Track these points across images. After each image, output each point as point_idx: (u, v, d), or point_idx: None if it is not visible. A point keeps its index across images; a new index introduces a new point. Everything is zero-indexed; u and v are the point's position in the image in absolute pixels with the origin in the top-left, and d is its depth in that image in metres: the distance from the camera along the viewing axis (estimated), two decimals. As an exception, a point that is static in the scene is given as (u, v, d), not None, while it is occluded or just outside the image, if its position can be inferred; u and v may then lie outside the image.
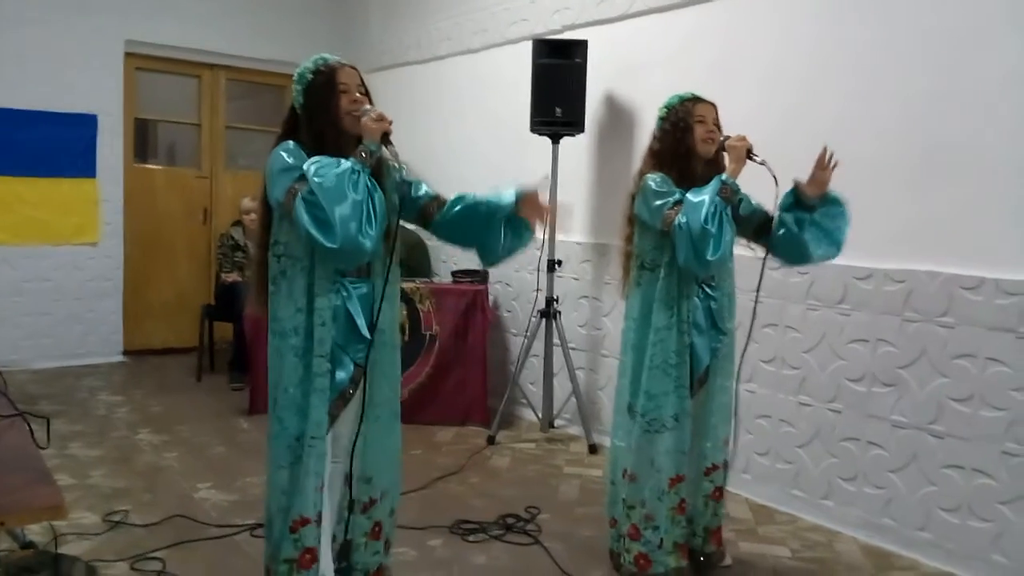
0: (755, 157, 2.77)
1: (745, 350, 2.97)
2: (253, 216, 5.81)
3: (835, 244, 2.86)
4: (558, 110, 4.53)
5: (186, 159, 6.94)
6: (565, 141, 4.68)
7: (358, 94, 2.29)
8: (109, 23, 6.06)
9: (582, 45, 4.53)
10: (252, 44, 6.72)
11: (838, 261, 3.48)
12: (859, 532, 3.44)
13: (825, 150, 2.74)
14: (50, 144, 5.87)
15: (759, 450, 3.83)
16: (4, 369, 2.57)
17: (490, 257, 2.51)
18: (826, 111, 3.58)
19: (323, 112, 2.26)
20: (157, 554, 3.00)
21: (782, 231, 2.85)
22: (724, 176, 2.73)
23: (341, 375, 2.29)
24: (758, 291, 2.88)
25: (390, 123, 2.24)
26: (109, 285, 6.25)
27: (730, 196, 2.71)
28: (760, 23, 3.88)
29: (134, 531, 3.22)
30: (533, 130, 4.65)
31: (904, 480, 3.31)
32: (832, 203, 2.84)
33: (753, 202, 2.92)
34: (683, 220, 2.67)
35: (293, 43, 6.83)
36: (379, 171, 2.29)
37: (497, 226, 2.43)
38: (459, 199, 2.47)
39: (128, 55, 6.23)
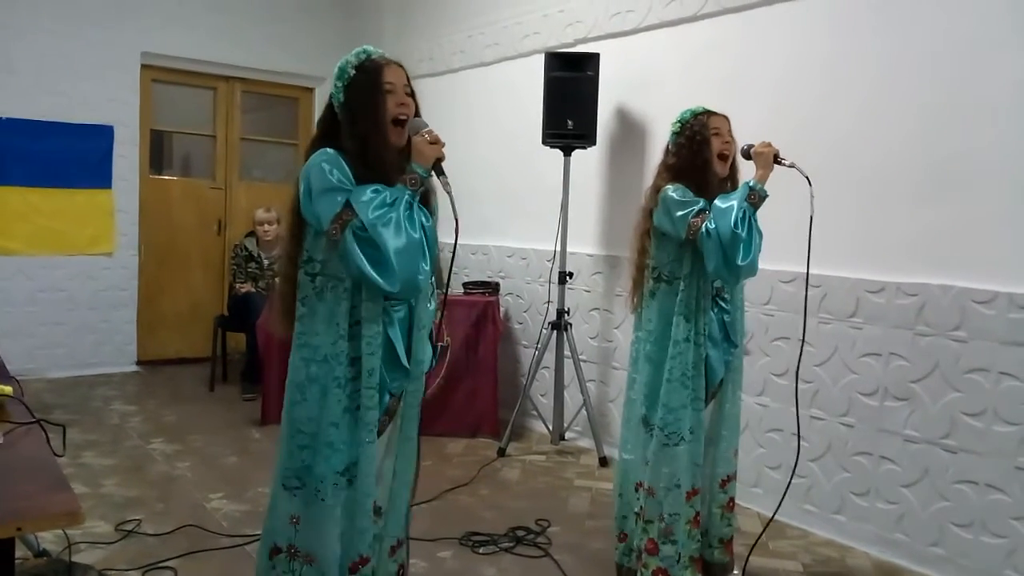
0: (783, 161, 2.79)
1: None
2: (267, 227, 5.86)
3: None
4: (570, 123, 4.54)
5: (201, 170, 7.00)
6: (577, 154, 4.70)
7: (403, 94, 2.12)
8: (125, 35, 6.13)
9: (594, 58, 4.55)
10: (267, 57, 6.79)
11: (850, 275, 3.51)
12: (871, 547, 3.42)
13: None
14: (66, 155, 5.92)
15: (771, 464, 3.81)
16: (19, 378, 2.58)
17: None
18: (838, 124, 3.59)
19: (367, 115, 2.08)
20: (169, 563, 3.02)
21: None
22: (752, 182, 2.74)
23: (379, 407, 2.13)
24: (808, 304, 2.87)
25: (443, 146, 2.10)
26: (124, 295, 6.30)
27: (758, 202, 2.72)
28: (772, 37, 3.89)
29: (146, 540, 3.23)
30: (545, 143, 4.67)
31: (917, 495, 3.29)
32: None
33: None
34: (711, 226, 2.68)
35: (307, 56, 6.91)
36: (426, 190, 2.12)
37: None
38: None
39: (144, 67, 6.30)
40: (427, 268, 2.04)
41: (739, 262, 2.66)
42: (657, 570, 2.85)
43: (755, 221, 2.71)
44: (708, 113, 2.88)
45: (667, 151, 2.95)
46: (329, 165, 2.03)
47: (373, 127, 2.08)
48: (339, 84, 2.12)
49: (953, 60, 3.22)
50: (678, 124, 2.90)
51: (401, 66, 2.15)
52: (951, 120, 3.23)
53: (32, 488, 1.66)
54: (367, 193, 1.99)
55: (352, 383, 2.09)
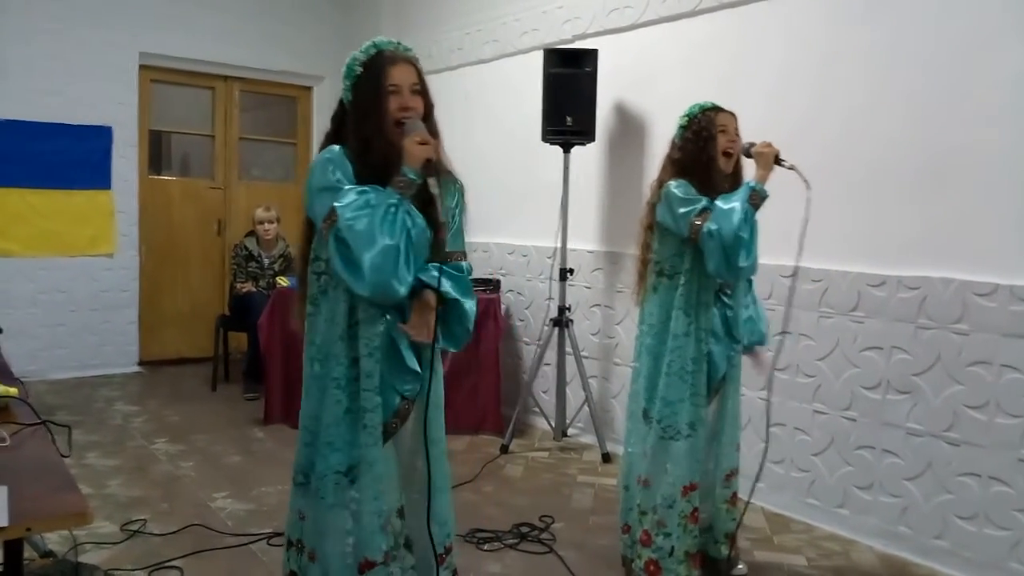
0: (784, 163, 2.79)
1: (775, 362, 2.98)
2: (267, 226, 5.86)
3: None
4: (569, 119, 4.54)
5: (200, 170, 7.00)
6: (576, 150, 4.70)
7: (410, 94, 2.05)
8: (123, 36, 6.13)
9: (593, 54, 4.55)
10: (265, 56, 6.78)
11: (851, 268, 3.51)
12: (875, 541, 3.43)
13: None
14: (65, 156, 5.92)
15: (774, 458, 3.82)
16: (22, 379, 2.59)
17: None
18: (836, 118, 3.59)
19: (369, 116, 2.04)
20: (175, 563, 3.02)
21: None
22: (753, 183, 2.74)
23: (386, 409, 2.08)
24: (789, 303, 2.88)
25: (435, 146, 2.02)
26: (125, 296, 6.30)
27: (759, 203, 2.72)
28: (769, 31, 3.89)
29: (152, 540, 3.24)
30: (544, 139, 4.67)
31: (920, 488, 3.29)
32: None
33: None
34: (714, 227, 2.68)
35: (305, 54, 6.91)
36: (426, 192, 2.00)
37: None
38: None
39: (143, 67, 6.29)
40: (408, 277, 1.93)
41: (741, 263, 2.67)
42: (649, 561, 2.86)
43: (755, 222, 2.71)
44: (716, 109, 2.87)
45: (673, 145, 2.94)
46: (332, 164, 2.01)
47: (375, 129, 2.03)
48: (347, 83, 2.09)
49: (950, 54, 3.22)
50: (685, 118, 2.90)
51: (411, 61, 2.10)
52: (950, 113, 3.23)
53: (40, 489, 1.66)
54: (351, 194, 1.94)
55: (353, 384, 2.06)
